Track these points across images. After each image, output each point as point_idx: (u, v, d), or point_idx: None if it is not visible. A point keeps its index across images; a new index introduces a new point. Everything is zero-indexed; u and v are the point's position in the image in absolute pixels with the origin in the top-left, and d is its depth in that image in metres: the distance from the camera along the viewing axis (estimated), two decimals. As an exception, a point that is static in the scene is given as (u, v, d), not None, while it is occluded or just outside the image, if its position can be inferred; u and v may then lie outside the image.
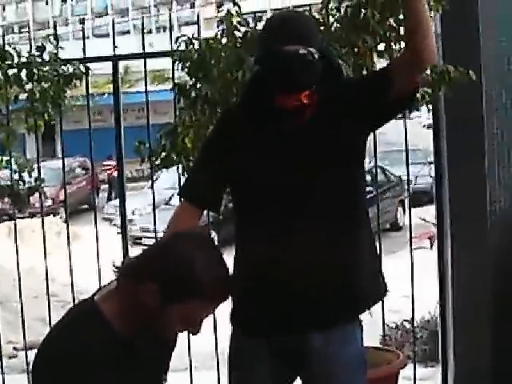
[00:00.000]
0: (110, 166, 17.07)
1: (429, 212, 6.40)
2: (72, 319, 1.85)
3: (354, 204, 2.13)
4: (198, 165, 2.35)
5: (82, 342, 1.76)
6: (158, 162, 3.29)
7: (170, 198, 11.31)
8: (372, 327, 4.16)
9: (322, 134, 2.09)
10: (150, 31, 33.59)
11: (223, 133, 2.22)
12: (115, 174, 16.46)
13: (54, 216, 12.09)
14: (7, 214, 7.80)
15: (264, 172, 2.08)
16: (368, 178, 11.57)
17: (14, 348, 5.99)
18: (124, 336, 1.81)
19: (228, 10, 3.13)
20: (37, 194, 3.93)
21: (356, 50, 3.03)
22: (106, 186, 18.02)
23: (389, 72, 2.11)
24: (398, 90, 2.03)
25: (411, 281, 3.75)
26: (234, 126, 2.17)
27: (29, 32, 3.91)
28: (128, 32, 34.00)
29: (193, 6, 43.57)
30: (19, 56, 3.53)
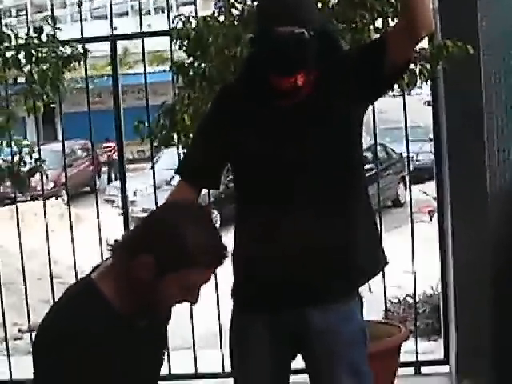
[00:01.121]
0: (110, 147, 17.05)
1: (430, 188, 6.41)
2: (70, 299, 1.85)
3: (350, 179, 2.13)
4: (195, 142, 2.35)
5: (81, 322, 1.75)
6: (156, 143, 3.29)
7: (171, 179, 11.28)
8: (374, 302, 4.19)
9: (318, 111, 2.08)
10: (149, 12, 33.35)
11: (220, 110, 2.21)
12: (115, 155, 16.47)
13: (56, 199, 12.09)
14: (9, 198, 7.81)
15: (260, 148, 2.08)
16: (369, 155, 11.60)
17: (19, 330, 6.03)
18: (124, 313, 1.81)
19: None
20: (38, 177, 3.93)
21: (354, 25, 3.02)
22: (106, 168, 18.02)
23: (384, 41, 2.08)
24: (392, 59, 2.01)
25: (412, 257, 3.77)
26: (231, 103, 2.16)
27: (26, 14, 3.89)
28: (126, 13, 33.75)
29: (191, -15, 43.15)
30: (17, 38, 3.52)
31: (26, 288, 4.02)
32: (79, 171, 15.01)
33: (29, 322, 4.07)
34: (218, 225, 2.77)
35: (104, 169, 17.89)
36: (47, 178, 3.96)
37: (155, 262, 1.76)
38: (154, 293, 1.79)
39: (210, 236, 1.82)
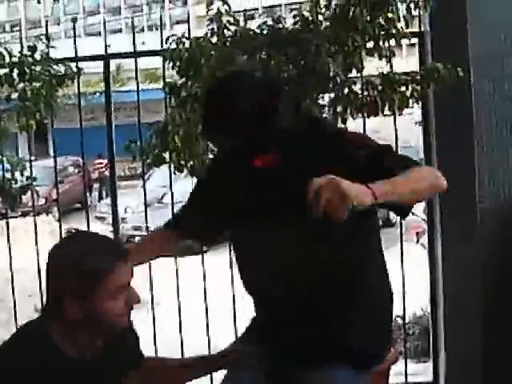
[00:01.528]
0: (101, 164, 17.04)
1: (418, 208, 6.44)
2: (20, 341, 1.83)
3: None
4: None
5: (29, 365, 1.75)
6: (149, 161, 3.31)
7: (163, 197, 11.29)
8: (364, 323, 4.19)
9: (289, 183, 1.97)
10: (143, 29, 33.54)
11: (207, 177, 2.27)
12: (107, 172, 16.47)
13: (46, 215, 12.05)
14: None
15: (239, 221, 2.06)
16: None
17: None
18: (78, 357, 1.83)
19: (218, 9, 3.15)
20: (29, 194, 3.92)
21: (345, 48, 3.05)
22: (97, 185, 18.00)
23: None
24: None
25: (402, 278, 3.77)
26: (215, 172, 2.20)
27: (20, 31, 3.88)
28: (120, 30, 33.90)
29: (185, 4, 43.48)
30: (10, 56, 3.52)
31: (14, 304, 3.99)
32: (70, 187, 14.96)
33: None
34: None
35: (95, 185, 17.85)
36: (38, 195, 3.95)
37: (75, 298, 1.76)
38: (98, 320, 1.79)
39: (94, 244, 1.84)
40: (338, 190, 1.69)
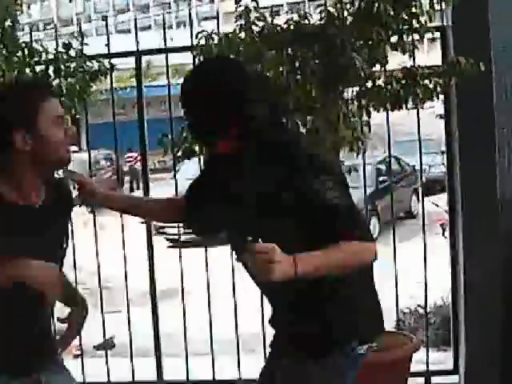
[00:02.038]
0: (131, 157, 17.18)
1: (442, 200, 6.40)
2: None
3: None
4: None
5: None
6: (180, 153, 3.32)
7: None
8: (387, 312, 4.17)
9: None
10: (171, 26, 33.60)
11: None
12: (137, 165, 16.72)
13: (79, 207, 12.16)
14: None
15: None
16: (382, 167, 11.58)
17: None
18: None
19: (246, 6, 3.15)
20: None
21: (370, 42, 3.03)
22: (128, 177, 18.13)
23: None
24: None
25: (424, 268, 3.75)
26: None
27: (54, 29, 3.93)
28: (149, 27, 34.04)
29: (212, 0, 43.48)
30: (46, 53, 3.56)
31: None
32: (102, 180, 15.09)
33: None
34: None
35: (126, 178, 17.97)
36: (74, 188, 3.98)
37: (16, 137, 1.96)
38: (45, 149, 1.99)
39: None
40: (267, 263, 1.74)
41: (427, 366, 3.79)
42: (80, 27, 3.88)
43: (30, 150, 1.97)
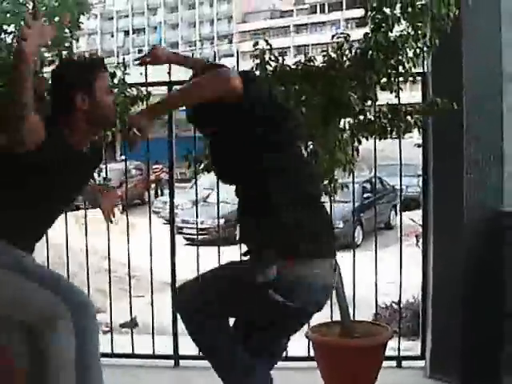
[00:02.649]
0: (157, 168, 17.31)
1: (417, 215, 6.43)
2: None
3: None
4: None
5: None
6: (201, 167, 3.36)
7: (207, 196, 11.38)
8: (366, 307, 4.20)
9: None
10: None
11: None
12: (162, 175, 16.85)
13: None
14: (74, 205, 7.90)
15: None
16: (368, 185, 11.62)
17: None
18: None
19: (262, 48, 3.19)
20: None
21: (363, 83, 3.07)
22: (154, 185, 18.23)
23: None
24: None
25: (400, 270, 3.78)
26: None
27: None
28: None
29: (230, 41, 43.75)
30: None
31: (88, 279, 4.07)
32: (132, 187, 15.15)
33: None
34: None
35: (152, 186, 18.05)
36: (109, 191, 4.02)
37: (81, 94, 2.15)
38: (99, 111, 2.18)
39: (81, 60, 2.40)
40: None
41: (399, 352, 3.81)
42: (123, 59, 3.92)
43: (86, 109, 2.15)
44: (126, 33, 49.46)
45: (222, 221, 4.87)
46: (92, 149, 2.31)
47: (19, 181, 2.12)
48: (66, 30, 4.06)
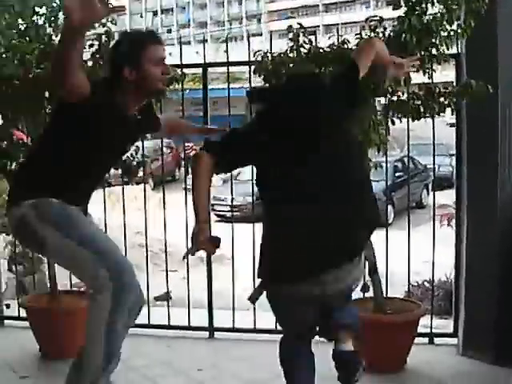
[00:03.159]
0: (188, 147, 17.42)
1: (446, 194, 6.40)
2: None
3: None
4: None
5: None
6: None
7: (238, 174, 11.45)
8: (398, 285, 4.24)
9: None
10: (224, 41, 33.55)
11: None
12: (192, 153, 16.90)
13: (143, 184, 12.33)
14: (106, 182, 8.02)
15: None
16: (399, 164, 11.56)
17: None
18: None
19: (296, 31, 3.21)
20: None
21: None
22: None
23: None
24: None
25: (433, 247, 3.79)
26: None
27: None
28: (206, 41, 33.97)
29: (259, 21, 43.35)
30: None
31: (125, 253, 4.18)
32: (164, 164, 15.25)
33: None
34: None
35: (183, 163, 18.21)
36: (144, 169, 4.10)
37: (125, 68, 2.25)
38: (144, 81, 2.27)
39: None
40: None
41: (431, 329, 3.83)
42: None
43: (133, 80, 2.25)
44: (155, 13, 49.43)
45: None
46: (143, 114, 2.38)
47: (73, 131, 2.23)
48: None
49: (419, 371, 3.37)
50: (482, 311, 3.52)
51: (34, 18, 3.82)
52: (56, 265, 3.67)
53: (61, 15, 3.69)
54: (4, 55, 3.59)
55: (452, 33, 3.05)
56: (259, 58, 3.29)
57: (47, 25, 3.78)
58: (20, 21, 3.82)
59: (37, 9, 3.86)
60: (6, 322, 4.40)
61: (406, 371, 3.37)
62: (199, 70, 4.14)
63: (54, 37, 3.62)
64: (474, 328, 3.59)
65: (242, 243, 3.93)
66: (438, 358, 3.61)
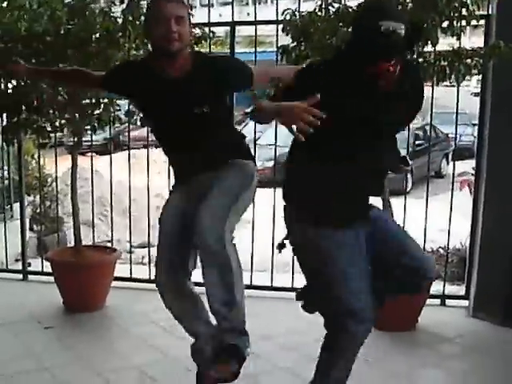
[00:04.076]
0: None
1: (466, 164, 6.35)
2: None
3: None
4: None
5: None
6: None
7: (258, 139, 11.41)
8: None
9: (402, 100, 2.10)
10: (247, 3, 33.06)
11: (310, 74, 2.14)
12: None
13: (156, 148, 12.33)
14: (125, 144, 8.03)
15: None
16: (420, 133, 11.42)
17: (131, 246, 6.26)
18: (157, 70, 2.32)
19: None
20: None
21: (424, 25, 3.02)
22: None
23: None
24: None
25: (449, 215, 3.80)
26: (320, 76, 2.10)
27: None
28: (229, 3, 33.50)
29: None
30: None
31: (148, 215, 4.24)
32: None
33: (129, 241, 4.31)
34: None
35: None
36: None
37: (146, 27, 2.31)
38: (151, 41, 2.32)
39: None
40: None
41: (443, 291, 3.88)
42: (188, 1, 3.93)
43: (150, 40, 2.34)
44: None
45: (272, 163, 4.93)
46: (185, 77, 2.27)
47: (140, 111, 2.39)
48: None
49: (430, 330, 3.44)
50: (494, 276, 3.55)
51: None
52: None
53: None
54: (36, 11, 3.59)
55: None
56: (287, 17, 3.26)
57: None
58: None
59: None
60: (29, 276, 4.54)
61: (417, 330, 3.44)
62: (222, 34, 4.08)
63: None
64: (484, 291, 3.63)
65: (262, 208, 3.97)
66: (449, 318, 3.66)
